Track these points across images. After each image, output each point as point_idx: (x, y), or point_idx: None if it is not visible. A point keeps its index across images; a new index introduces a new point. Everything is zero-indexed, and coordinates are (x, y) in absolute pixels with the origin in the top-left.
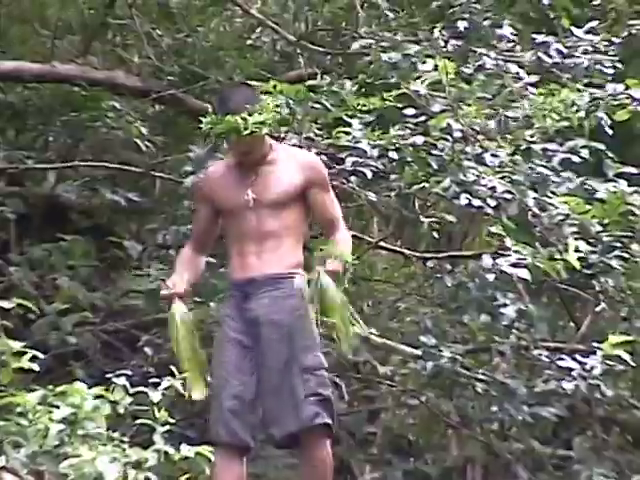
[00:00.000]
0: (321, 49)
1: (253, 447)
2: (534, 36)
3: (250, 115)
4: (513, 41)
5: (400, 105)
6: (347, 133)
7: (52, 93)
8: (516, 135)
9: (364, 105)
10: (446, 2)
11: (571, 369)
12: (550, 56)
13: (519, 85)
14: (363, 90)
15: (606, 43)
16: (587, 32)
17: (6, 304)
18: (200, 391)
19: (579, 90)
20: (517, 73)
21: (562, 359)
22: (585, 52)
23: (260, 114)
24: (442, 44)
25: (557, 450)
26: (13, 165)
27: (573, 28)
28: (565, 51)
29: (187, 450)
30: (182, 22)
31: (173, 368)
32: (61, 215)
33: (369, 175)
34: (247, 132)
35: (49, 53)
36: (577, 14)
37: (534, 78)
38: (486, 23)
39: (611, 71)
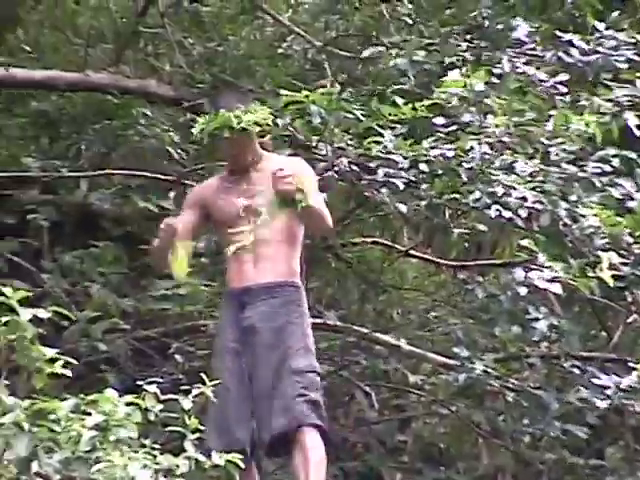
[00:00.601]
0: (348, 54)
1: (253, 454)
2: (558, 34)
3: (243, 114)
4: (534, 41)
5: (431, 115)
6: (378, 143)
7: (85, 102)
8: (545, 144)
9: (395, 115)
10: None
11: (605, 387)
12: (570, 55)
13: (546, 86)
14: (385, 98)
15: (633, 40)
16: (607, 28)
17: (42, 312)
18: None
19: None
20: (534, 75)
21: (597, 377)
22: (611, 48)
23: (252, 114)
24: (463, 49)
25: (589, 460)
26: (47, 173)
27: (598, 24)
28: (587, 48)
29: (218, 458)
30: (213, 31)
31: (204, 376)
32: (93, 223)
33: (401, 186)
34: (240, 126)
35: (82, 62)
36: (603, 11)
37: (563, 77)
38: (500, 27)
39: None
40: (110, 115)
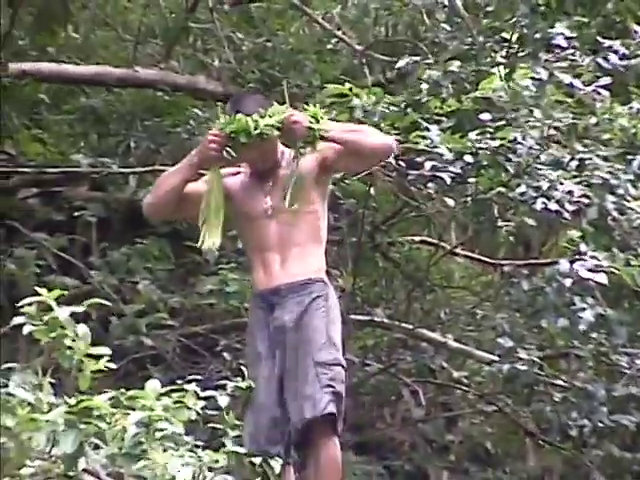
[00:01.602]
0: (385, 58)
1: (288, 456)
2: (599, 39)
3: (261, 117)
4: (574, 47)
5: (477, 108)
6: (424, 137)
7: (134, 98)
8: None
9: (441, 108)
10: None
11: None
12: (609, 60)
13: (587, 90)
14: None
15: None
16: None
17: (79, 309)
18: (214, 241)
19: None
20: (571, 84)
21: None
22: None
23: (271, 117)
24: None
25: (637, 455)
26: (96, 169)
27: (638, 28)
28: (627, 52)
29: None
30: (262, 26)
31: (244, 369)
32: (141, 220)
33: (448, 181)
34: (256, 132)
35: (131, 58)
36: None
37: (605, 80)
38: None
39: None
40: (159, 112)
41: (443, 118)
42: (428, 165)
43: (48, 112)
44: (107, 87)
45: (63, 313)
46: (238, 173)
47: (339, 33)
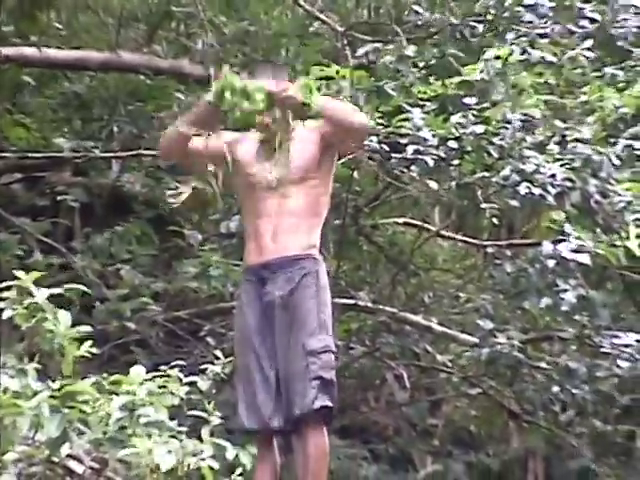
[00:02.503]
0: (367, 38)
1: (285, 429)
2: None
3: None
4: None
5: (461, 93)
6: (407, 120)
7: (117, 83)
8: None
9: (425, 92)
10: None
11: (627, 345)
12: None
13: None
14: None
15: None
16: None
17: (57, 291)
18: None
19: None
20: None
21: (618, 337)
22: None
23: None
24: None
25: (619, 427)
26: (78, 154)
27: None
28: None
29: (231, 450)
30: (244, 10)
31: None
32: (124, 205)
33: (430, 163)
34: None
35: (114, 42)
36: None
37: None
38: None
39: None
40: (142, 97)
41: (427, 102)
42: (411, 149)
43: (31, 97)
44: (90, 72)
45: (42, 296)
46: (248, 139)
47: (321, 15)
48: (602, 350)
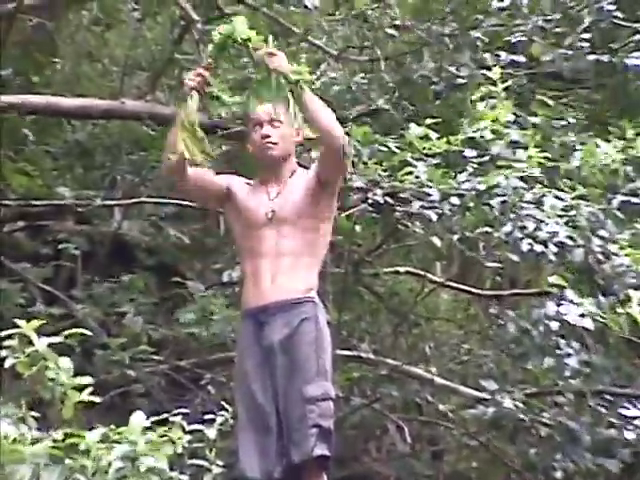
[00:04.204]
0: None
1: (286, 478)
2: None
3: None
4: None
5: (464, 148)
6: (411, 173)
7: (120, 131)
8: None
9: (430, 149)
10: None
11: (634, 417)
12: None
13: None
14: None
15: None
16: None
17: (57, 339)
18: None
19: None
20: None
21: (626, 407)
22: None
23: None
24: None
25: None
26: (80, 201)
27: None
28: None
29: None
30: (246, 56)
31: (224, 404)
32: (126, 253)
33: (434, 218)
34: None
35: (117, 91)
36: None
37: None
38: None
39: None
40: (145, 146)
41: (431, 158)
42: (417, 205)
43: (33, 145)
44: (93, 119)
45: (43, 344)
46: (248, 184)
47: (311, 39)
48: (608, 420)
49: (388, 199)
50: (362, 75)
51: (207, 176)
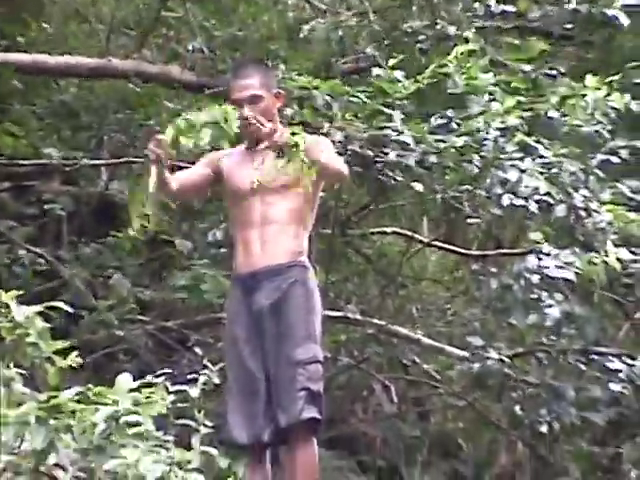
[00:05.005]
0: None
1: (275, 441)
2: None
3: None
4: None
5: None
6: (388, 123)
7: (106, 92)
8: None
9: (400, 92)
10: None
11: (619, 371)
12: None
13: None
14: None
15: None
16: None
17: (34, 309)
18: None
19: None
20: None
21: (611, 361)
22: None
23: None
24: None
25: (606, 449)
26: (67, 162)
27: None
28: None
29: (222, 461)
30: (233, 15)
31: (208, 363)
32: (113, 214)
33: (412, 163)
34: (198, 131)
35: (104, 49)
36: None
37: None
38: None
39: None
40: (132, 105)
41: (404, 102)
42: (393, 154)
43: (20, 105)
44: (80, 78)
45: (22, 312)
46: (234, 151)
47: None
48: (591, 374)
49: (367, 151)
50: (351, 23)
51: (193, 175)
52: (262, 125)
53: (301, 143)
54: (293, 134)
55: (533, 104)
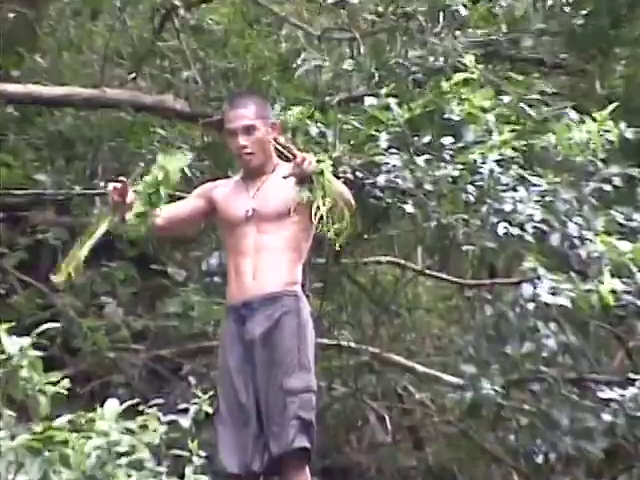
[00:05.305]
0: None
1: (267, 471)
2: None
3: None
4: None
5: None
6: (377, 147)
7: (101, 122)
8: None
9: (394, 119)
10: None
11: (610, 400)
12: None
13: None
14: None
15: None
16: None
17: (26, 341)
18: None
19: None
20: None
21: (602, 390)
22: None
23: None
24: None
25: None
26: (61, 191)
27: None
28: None
29: None
30: (224, 47)
31: (198, 392)
32: (107, 244)
33: (405, 187)
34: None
35: (99, 79)
36: None
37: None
38: None
39: None
40: (125, 134)
41: (397, 129)
42: (382, 178)
43: (15, 135)
44: (75, 109)
45: (15, 344)
46: (229, 181)
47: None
48: (585, 403)
49: (357, 174)
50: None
51: (182, 209)
52: (256, 154)
53: (327, 171)
54: (319, 162)
55: (529, 134)
